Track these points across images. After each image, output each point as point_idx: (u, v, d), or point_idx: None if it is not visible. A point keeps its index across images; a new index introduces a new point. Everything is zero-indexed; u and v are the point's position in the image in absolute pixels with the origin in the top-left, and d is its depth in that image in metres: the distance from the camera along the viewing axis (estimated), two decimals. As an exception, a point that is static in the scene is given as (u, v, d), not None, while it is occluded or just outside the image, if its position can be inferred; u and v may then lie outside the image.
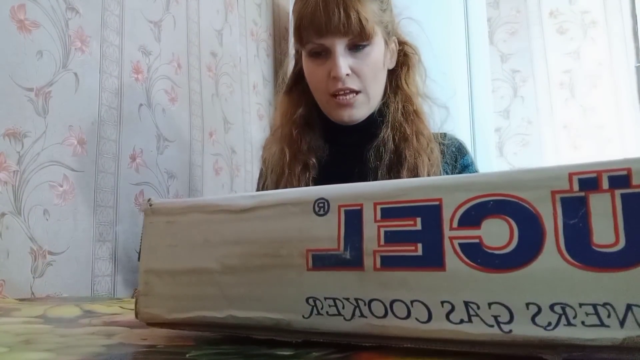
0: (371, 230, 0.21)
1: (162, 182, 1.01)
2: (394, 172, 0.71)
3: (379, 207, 0.22)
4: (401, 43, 0.77)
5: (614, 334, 0.17)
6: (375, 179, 0.70)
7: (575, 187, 0.18)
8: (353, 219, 0.22)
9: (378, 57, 0.71)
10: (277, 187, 0.74)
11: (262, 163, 0.85)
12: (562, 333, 0.18)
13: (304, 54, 0.73)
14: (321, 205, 0.23)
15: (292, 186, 0.73)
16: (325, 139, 0.76)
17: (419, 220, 0.21)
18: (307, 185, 0.73)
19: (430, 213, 0.21)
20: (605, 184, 0.18)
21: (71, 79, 0.79)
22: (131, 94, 0.93)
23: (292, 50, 0.80)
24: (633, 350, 0.17)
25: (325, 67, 0.70)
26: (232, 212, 0.25)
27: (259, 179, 0.86)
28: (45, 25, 0.75)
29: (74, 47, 0.80)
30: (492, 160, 1.30)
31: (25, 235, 0.69)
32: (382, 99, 0.75)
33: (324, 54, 0.70)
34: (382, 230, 0.21)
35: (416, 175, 0.71)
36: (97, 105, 0.85)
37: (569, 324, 0.18)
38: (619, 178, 0.18)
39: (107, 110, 0.87)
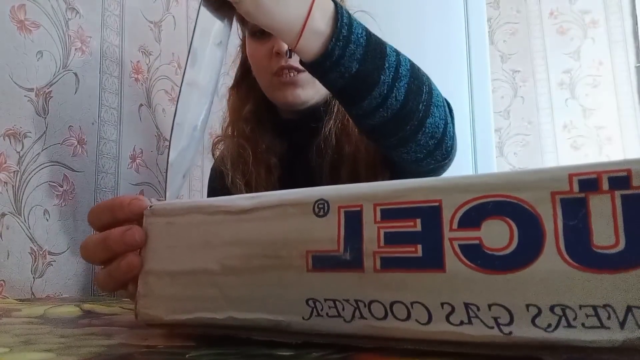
0: (371, 232, 0.21)
1: (162, 183, 1.01)
2: (334, 169, 0.65)
3: (378, 209, 0.22)
4: None
5: (614, 335, 0.17)
6: (320, 179, 0.66)
7: (575, 188, 0.18)
8: (353, 220, 0.22)
9: None
10: (249, 187, 0.69)
11: (218, 162, 0.78)
12: (562, 335, 0.18)
13: (247, 36, 0.68)
14: (321, 206, 0.23)
15: (262, 188, 0.69)
16: (280, 136, 0.72)
17: (418, 221, 0.21)
18: (274, 187, 0.69)
19: (430, 214, 0.21)
20: (605, 185, 0.18)
21: (71, 79, 0.79)
22: (131, 94, 0.93)
23: (238, 41, 0.74)
24: (633, 352, 0.17)
25: (268, 45, 0.64)
26: (231, 213, 0.25)
27: (215, 179, 0.79)
28: (45, 25, 0.75)
29: (74, 47, 0.80)
30: (492, 160, 1.29)
31: (25, 236, 0.69)
32: None
33: (266, 32, 0.63)
34: (382, 231, 0.21)
35: (356, 170, 0.65)
36: (97, 106, 0.85)
37: (569, 325, 0.18)
38: (619, 179, 0.18)
39: (107, 110, 0.87)
